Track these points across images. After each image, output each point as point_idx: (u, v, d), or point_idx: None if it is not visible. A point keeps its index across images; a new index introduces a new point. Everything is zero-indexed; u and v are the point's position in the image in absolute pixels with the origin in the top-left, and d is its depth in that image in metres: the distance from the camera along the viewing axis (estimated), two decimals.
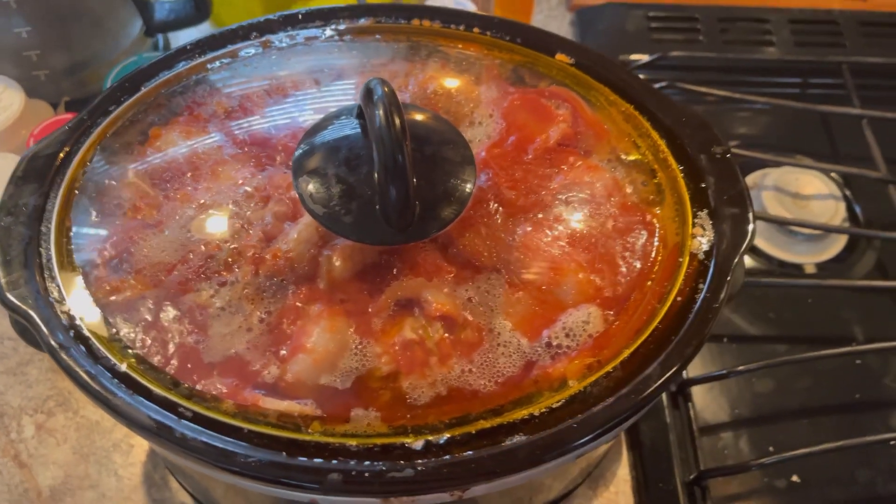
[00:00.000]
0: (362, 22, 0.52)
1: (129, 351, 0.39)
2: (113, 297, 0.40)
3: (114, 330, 0.39)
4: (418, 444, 0.35)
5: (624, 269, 0.42)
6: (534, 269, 0.42)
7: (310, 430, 0.36)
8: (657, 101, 0.48)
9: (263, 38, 0.50)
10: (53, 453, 0.59)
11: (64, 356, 0.37)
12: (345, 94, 0.49)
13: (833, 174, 0.75)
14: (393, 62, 0.51)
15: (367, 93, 0.37)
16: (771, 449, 0.60)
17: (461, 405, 0.38)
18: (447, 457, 0.35)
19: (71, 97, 0.69)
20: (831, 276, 0.70)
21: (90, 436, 0.60)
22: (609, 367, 0.38)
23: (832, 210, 0.73)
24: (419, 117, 0.43)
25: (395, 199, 0.37)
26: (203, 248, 0.41)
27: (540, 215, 0.44)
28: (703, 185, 0.45)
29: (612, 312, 0.41)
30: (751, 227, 0.43)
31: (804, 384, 0.65)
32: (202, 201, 0.43)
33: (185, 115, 0.47)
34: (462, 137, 0.43)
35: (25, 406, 0.61)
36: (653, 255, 0.43)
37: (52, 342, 0.37)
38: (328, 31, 0.50)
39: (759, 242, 0.72)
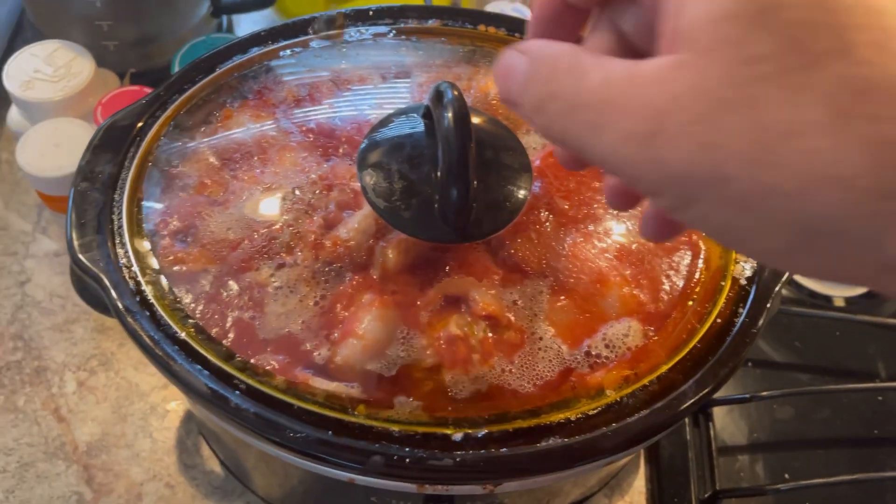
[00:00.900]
0: (430, 23, 0.54)
1: (190, 320, 0.41)
2: (177, 268, 0.42)
3: (176, 298, 0.41)
4: (458, 435, 0.37)
5: (667, 287, 0.44)
6: (579, 279, 0.44)
7: (356, 413, 0.38)
8: None
9: (334, 32, 0.51)
10: (92, 410, 0.62)
11: (130, 320, 0.39)
12: (409, 91, 0.50)
13: None
14: (457, 65, 0.52)
15: (437, 95, 0.39)
16: (786, 476, 0.61)
17: (500, 402, 0.40)
18: (484, 451, 0.37)
19: (136, 69, 0.72)
20: (861, 310, 0.71)
21: (129, 397, 0.62)
22: (646, 381, 0.39)
23: None
24: (481, 121, 0.44)
25: (455, 199, 0.39)
26: (265, 229, 0.43)
27: (589, 227, 0.45)
28: None
29: (652, 328, 0.42)
30: None
31: (823, 415, 0.65)
32: (267, 184, 0.44)
33: (255, 99, 0.49)
34: (520, 144, 0.44)
35: (69, 363, 0.64)
36: (696, 275, 0.44)
37: (120, 305, 0.39)
38: (396, 30, 0.52)
39: None
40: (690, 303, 0.43)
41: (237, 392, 0.38)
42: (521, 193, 0.42)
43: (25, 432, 0.60)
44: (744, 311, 0.42)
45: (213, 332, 0.40)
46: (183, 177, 0.45)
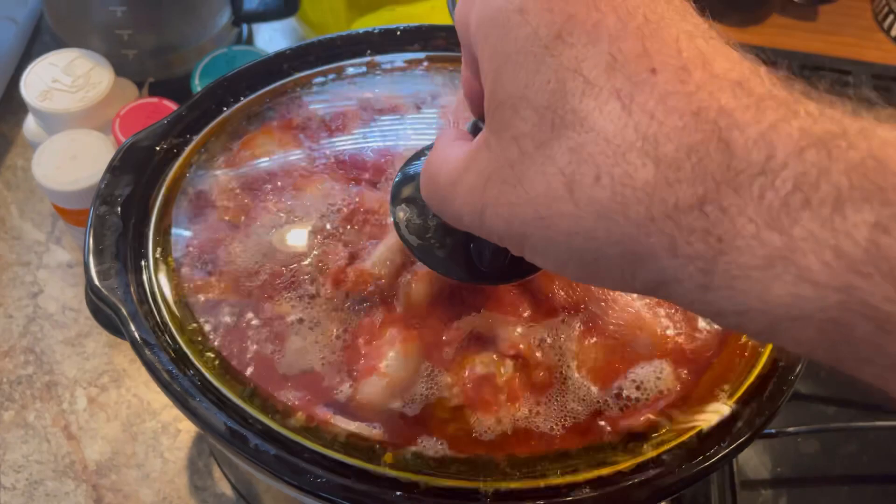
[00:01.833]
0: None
1: (209, 354, 0.39)
2: (197, 298, 0.41)
3: (195, 331, 0.40)
4: (488, 489, 0.36)
5: (700, 327, 0.42)
6: (612, 318, 0.42)
7: (380, 461, 0.37)
8: None
9: (367, 59, 0.50)
10: (103, 428, 0.61)
11: (147, 353, 0.38)
12: (442, 122, 0.49)
13: None
14: None
15: (475, 129, 0.37)
16: None
17: (528, 448, 0.38)
18: None
19: (155, 78, 0.71)
20: None
21: (140, 415, 0.61)
22: (685, 437, 0.38)
23: None
24: None
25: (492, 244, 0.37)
26: (289, 259, 0.42)
27: None
28: None
29: (686, 371, 0.41)
30: None
31: (849, 450, 0.64)
32: (292, 212, 0.43)
33: (281, 123, 0.48)
34: None
35: (80, 378, 0.63)
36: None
37: (137, 336, 0.38)
38: (428, 57, 0.51)
39: None
40: (727, 348, 0.42)
41: (256, 432, 0.36)
42: None
43: (35, 449, 0.60)
44: (781, 359, 0.41)
45: (233, 366, 0.39)
46: (205, 202, 0.44)
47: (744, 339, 0.42)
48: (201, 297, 0.41)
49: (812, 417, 0.65)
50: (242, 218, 0.43)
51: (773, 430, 0.61)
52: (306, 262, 0.42)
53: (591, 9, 0.25)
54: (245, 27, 0.78)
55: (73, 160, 0.60)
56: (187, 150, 0.45)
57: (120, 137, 0.61)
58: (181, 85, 0.69)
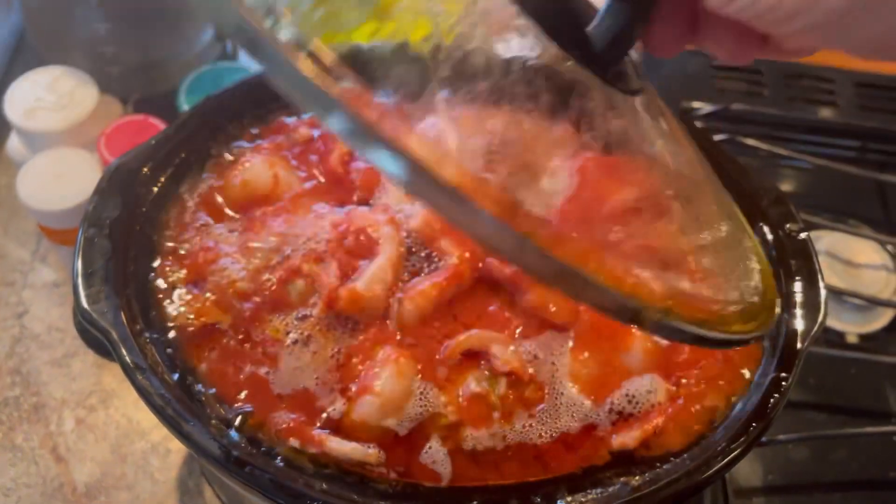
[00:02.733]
0: None
1: (202, 377, 0.39)
2: (189, 320, 0.40)
3: (188, 354, 0.40)
4: None
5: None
6: (602, 331, 0.42)
7: (375, 481, 0.36)
8: (737, 170, 0.48)
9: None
10: (91, 450, 0.60)
11: (140, 377, 0.37)
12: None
13: (889, 246, 0.74)
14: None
15: None
16: None
17: (522, 466, 0.38)
18: None
19: (140, 95, 0.70)
20: (876, 347, 0.70)
21: (129, 436, 0.61)
22: (679, 449, 0.38)
23: (883, 281, 0.72)
24: None
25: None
26: (278, 280, 0.41)
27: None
28: (777, 264, 0.45)
29: (677, 383, 0.41)
30: (822, 314, 0.43)
31: (839, 456, 0.64)
32: (282, 232, 0.43)
33: (269, 143, 0.48)
34: None
35: (68, 399, 0.62)
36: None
37: (129, 361, 0.38)
38: None
39: None
40: (718, 358, 0.42)
41: (251, 455, 0.36)
42: None
43: (24, 472, 0.59)
44: (771, 370, 0.41)
45: (227, 389, 0.39)
46: (193, 225, 0.44)
47: (734, 350, 0.42)
48: (193, 319, 0.41)
49: (802, 425, 0.65)
50: (233, 239, 0.43)
51: (764, 439, 0.61)
52: (299, 283, 0.41)
53: None
54: (230, 42, 0.78)
55: (59, 179, 0.59)
56: (174, 171, 0.45)
57: (105, 155, 0.61)
58: (167, 101, 0.69)
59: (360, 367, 0.40)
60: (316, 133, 0.48)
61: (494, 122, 0.36)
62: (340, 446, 0.37)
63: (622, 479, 0.38)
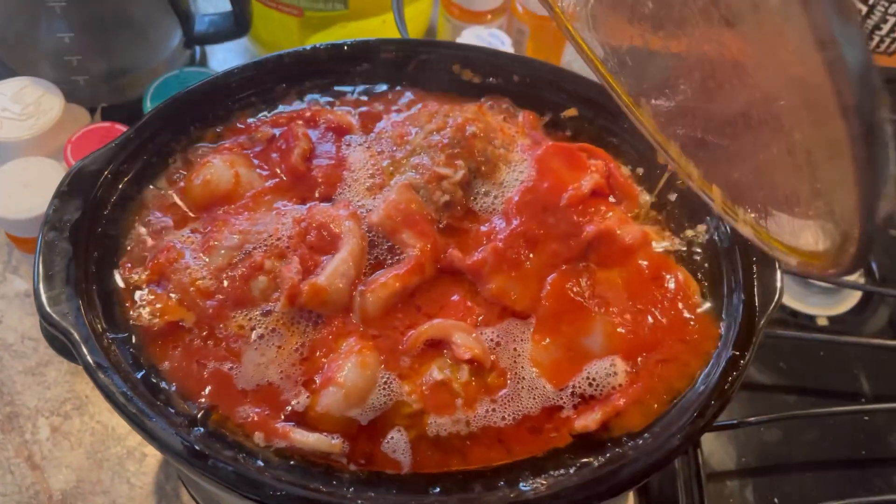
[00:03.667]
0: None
1: (165, 374, 0.39)
2: (151, 319, 0.41)
3: (150, 351, 0.40)
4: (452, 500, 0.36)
5: (651, 322, 0.43)
6: (563, 316, 0.43)
7: (338, 471, 0.37)
8: None
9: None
10: (67, 457, 0.60)
11: (101, 376, 0.37)
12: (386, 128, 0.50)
13: None
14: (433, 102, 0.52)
15: None
16: (776, 500, 0.61)
17: (486, 450, 0.39)
18: None
19: (108, 103, 0.70)
20: (844, 329, 0.71)
21: (105, 441, 0.61)
22: (639, 430, 0.39)
23: None
24: None
25: None
26: (241, 277, 0.42)
27: (570, 263, 0.45)
28: (735, 246, 0.45)
29: (637, 365, 0.42)
30: (777, 292, 0.43)
31: (811, 437, 0.65)
32: (244, 230, 0.43)
33: (231, 143, 0.48)
34: None
35: (42, 408, 0.62)
36: (684, 312, 0.43)
37: (90, 360, 0.38)
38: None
39: None
40: (676, 337, 0.42)
41: (215, 450, 0.36)
42: None
43: None
44: (730, 346, 0.41)
45: (191, 385, 0.39)
46: (156, 225, 0.44)
47: (692, 330, 0.43)
48: (156, 318, 0.41)
49: (773, 407, 0.66)
50: (196, 238, 0.43)
51: (735, 421, 0.62)
52: (262, 279, 0.42)
53: None
54: (198, 49, 0.78)
55: (26, 188, 0.59)
56: (136, 172, 0.45)
57: (72, 163, 0.61)
58: (134, 108, 0.69)
59: (323, 360, 0.41)
60: (277, 132, 0.48)
61: None
62: (304, 438, 0.38)
63: (583, 460, 0.38)
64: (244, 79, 0.50)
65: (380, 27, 0.78)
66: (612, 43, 0.45)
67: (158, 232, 0.44)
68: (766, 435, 0.64)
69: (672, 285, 0.44)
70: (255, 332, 0.41)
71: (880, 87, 0.26)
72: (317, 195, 0.46)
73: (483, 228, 0.46)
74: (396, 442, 0.39)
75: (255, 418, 0.39)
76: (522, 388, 0.41)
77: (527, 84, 0.54)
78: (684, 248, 0.47)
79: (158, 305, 0.41)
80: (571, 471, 0.38)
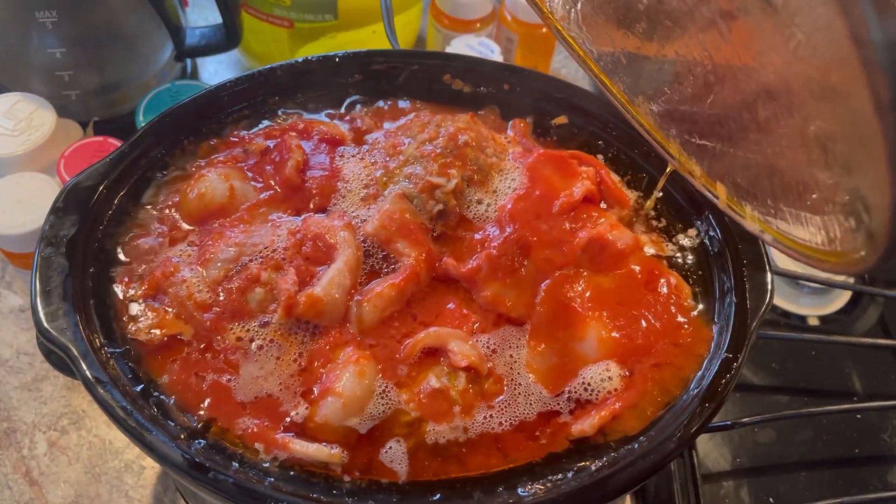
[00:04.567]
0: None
1: (163, 387, 0.40)
2: (148, 333, 0.41)
3: (148, 365, 0.40)
4: None
5: (644, 326, 0.44)
6: (558, 322, 0.43)
7: (337, 480, 0.37)
8: None
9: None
10: (65, 471, 0.60)
11: (100, 391, 0.38)
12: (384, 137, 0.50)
13: None
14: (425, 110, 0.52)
15: None
16: (771, 500, 0.61)
17: (484, 457, 0.39)
18: None
19: (100, 117, 0.71)
20: (835, 329, 0.72)
21: (102, 455, 0.61)
22: (634, 434, 0.39)
23: None
24: None
25: None
26: (238, 289, 0.42)
27: (563, 270, 0.45)
28: (726, 249, 0.46)
29: (631, 369, 0.42)
30: (769, 294, 0.44)
31: (805, 436, 0.66)
32: (239, 242, 0.44)
33: (225, 156, 0.48)
34: None
35: (39, 423, 0.62)
36: (677, 315, 0.44)
37: (89, 375, 0.38)
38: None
39: None
40: (670, 342, 0.43)
41: (214, 462, 0.37)
42: None
43: None
44: (723, 349, 0.42)
45: (190, 397, 0.39)
46: (152, 238, 0.45)
47: (685, 333, 0.43)
48: (154, 331, 0.41)
49: (766, 407, 0.67)
50: (192, 252, 0.44)
51: (729, 422, 0.63)
52: (258, 291, 0.42)
53: None
54: (189, 62, 0.78)
55: (19, 204, 0.60)
56: (131, 187, 0.46)
57: (65, 177, 0.61)
58: (127, 122, 0.69)
59: (321, 371, 0.41)
60: (271, 144, 0.49)
61: None
62: (304, 448, 0.38)
63: (581, 464, 0.39)
64: (237, 91, 0.51)
65: (370, 37, 0.78)
66: (603, 44, 0.45)
67: (155, 246, 0.44)
68: (760, 436, 0.65)
69: (664, 289, 0.45)
70: (253, 343, 0.41)
71: None
72: (311, 206, 0.46)
73: (477, 236, 0.46)
74: (395, 451, 0.39)
75: (255, 430, 0.39)
76: (519, 394, 0.41)
77: (517, 92, 0.54)
78: (676, 253, 0.48)
79: (156, 319, 0.41)
80: (569, 475, 0.38)
